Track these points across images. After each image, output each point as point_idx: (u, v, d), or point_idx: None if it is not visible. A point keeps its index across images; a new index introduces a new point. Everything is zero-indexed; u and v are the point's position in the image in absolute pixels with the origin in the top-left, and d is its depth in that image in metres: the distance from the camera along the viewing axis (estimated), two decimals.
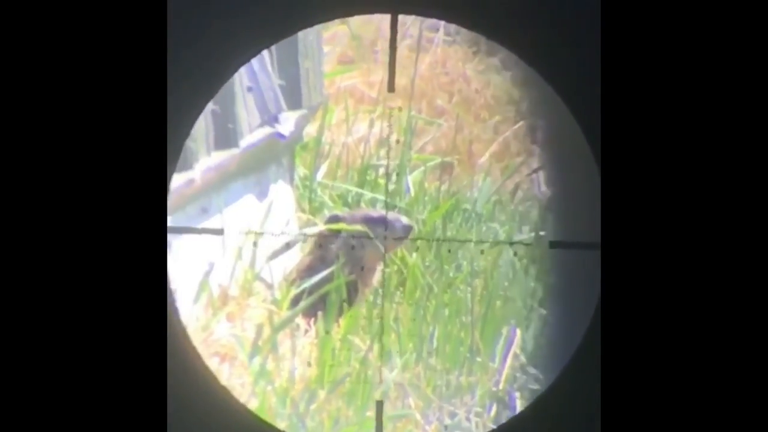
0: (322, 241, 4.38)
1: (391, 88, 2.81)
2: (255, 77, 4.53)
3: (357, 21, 5.21)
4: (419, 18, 3.47)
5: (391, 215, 4.41)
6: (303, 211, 4.74)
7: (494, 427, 3.07)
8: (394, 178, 4.73)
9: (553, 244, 2.63)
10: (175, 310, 2.50)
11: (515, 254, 4.33)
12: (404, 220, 4.38)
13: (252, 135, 4.54)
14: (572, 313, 2.54)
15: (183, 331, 2.52)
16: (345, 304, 4.23)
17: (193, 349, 2.54)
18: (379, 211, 4.44)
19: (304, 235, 4.49)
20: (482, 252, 4.42)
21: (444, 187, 4.77)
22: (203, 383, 2.52)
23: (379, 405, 3.05)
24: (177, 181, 4.14)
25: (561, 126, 2.47)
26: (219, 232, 3.40)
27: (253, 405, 3.92)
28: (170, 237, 3.99)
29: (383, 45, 5.18)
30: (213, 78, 2.43)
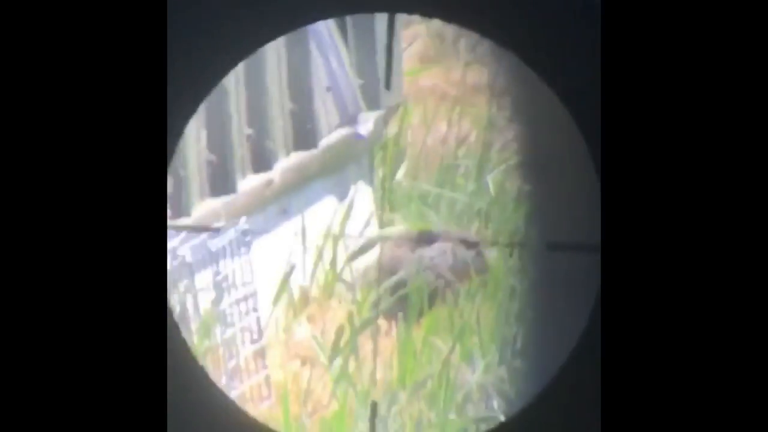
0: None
1: (387, 85, 2.78)
2: (334, 77, 4.54)
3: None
4: None
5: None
6: (383, 211, 4.73)
7: None
8: (474, 177, 4.70)
9: (551, 246, 2.57)
10: (174, 309, 2.50)
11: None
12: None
13: (331, 135, 4.54)
14: (571, 314, 2.49)
15: (182, 329, 2.51)
16: (426, 305, 4.21)
17: (193, 348, 2.53)
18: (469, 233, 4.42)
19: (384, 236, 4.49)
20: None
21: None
22: (203, 384, 2.51)
23: (374, 405, 3.01)
24: (255, 181, 4.19)
25: (559, 126, 2.43)
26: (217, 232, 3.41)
27: (333, 408, 3.93)
28: (250, 238, 4.04)
29: (466, 42, 5.13)
30: (208, 78, 2.43)
